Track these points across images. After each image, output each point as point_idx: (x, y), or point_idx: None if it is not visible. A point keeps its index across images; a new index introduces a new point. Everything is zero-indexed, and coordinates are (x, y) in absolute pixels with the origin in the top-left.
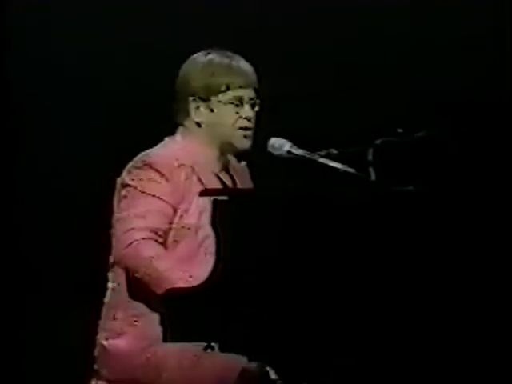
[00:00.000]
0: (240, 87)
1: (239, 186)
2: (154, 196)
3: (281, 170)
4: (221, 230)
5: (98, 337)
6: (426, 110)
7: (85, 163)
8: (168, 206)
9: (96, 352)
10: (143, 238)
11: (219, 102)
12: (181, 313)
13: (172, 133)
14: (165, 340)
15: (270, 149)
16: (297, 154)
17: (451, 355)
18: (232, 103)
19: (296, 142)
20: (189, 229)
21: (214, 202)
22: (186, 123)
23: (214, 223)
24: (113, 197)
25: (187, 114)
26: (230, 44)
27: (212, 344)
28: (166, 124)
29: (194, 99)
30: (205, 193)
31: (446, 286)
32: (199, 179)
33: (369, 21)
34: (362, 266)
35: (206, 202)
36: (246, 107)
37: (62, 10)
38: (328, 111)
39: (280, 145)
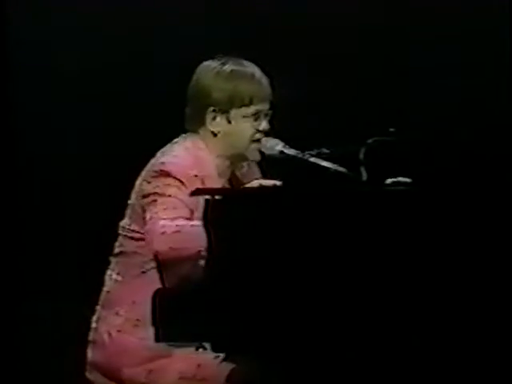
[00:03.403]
0: (260, 101)
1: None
2: (176, 198)
3: (273, 169)
4: (212, 229)
5: (95, 325)
6: (419, 110)
7: (84, 162)
8: (188, 210)
9: (91, 338)
10: (180, 224)
11: (239, 115)
12: (173, 313)
13: (171, 133)
14: (157, 340)
15: (261, 148)
16: (289, 154)
17: (445, 351)
18: (251, 117)
19: (287, 142)
20: None
21: (206, 202)
22: (201, 131)
23: (206, 223)
24: (112, 194)
25: (202, 122)
26: (227, 44)
27: (204, 344)
28: (166, 124)
29: (213, 110)
30: (196, 192)
31: (439, 284)
32: None
33: (364, 19)
34: (354, 266)
35: None
36: (263, 120)
37: (62, 10)
38: (320, 111)
39: (272, 144)
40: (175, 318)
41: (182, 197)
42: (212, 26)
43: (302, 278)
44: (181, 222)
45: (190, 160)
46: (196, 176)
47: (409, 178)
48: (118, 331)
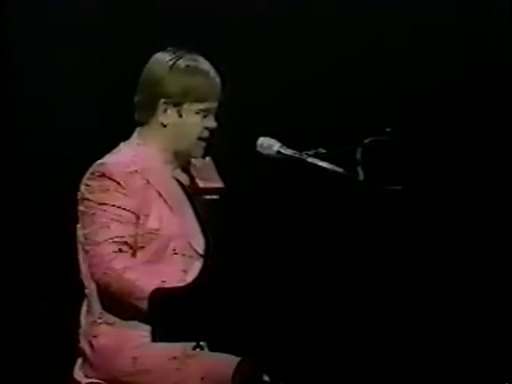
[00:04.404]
0: (213, 99)
1: (200, 184)
2: (113, 206)
3: (269, 169)
4: (208, 229)
5: (81, 344)
6: (415, 110)
7: (84, 162)
8: (129, 214)
9: (80, 360)
10: (114, 252)
11: (191, 110)
12: (169, 313)
13: None
14: (154, 340)
15: (258, 148)
16: (286, 154)
17: (441, 353)
18: (201, 113)
19: (284, 142)
20: (152, 233)
21: (203, 202)
22: (150, 122)
23: (202, 223)
24: None
25: (153, 113)
26: (222, 42)
27: (201, 343)
28: None
29: (165, 101)
30: (195, 192)
31: (434, 284)
32: (151, 183)
33: (361, 19)
34: (350, 266)
35: (164, 204)
36: (211, 119)
37: (62, 10)
38: (317, 111)
39: (269, 144)
40: (172, 317)
41: (120, 201)
42: (212, 25)
43: (300, 277)
44: (116, 261)
45: (128, 156)
46: (136, 171)
47: (406, 177)
48: (94, 336)
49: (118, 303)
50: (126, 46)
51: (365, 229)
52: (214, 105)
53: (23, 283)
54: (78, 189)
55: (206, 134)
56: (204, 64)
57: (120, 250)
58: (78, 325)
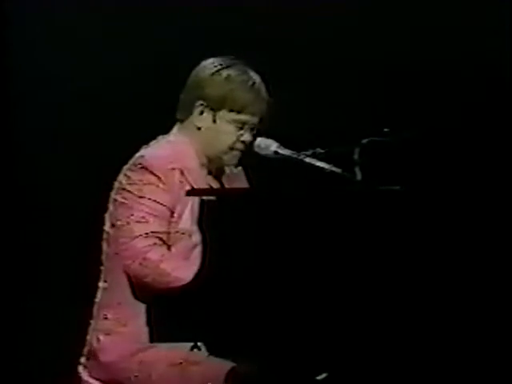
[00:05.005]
0: (251, 113)
1: None
2: (152, 200)
3: (267, 169)
4: (207, 230)
5: (89, 337)
6: (413, 110)
7: (84, 162)
8: (166, 210)
9: (85, 351)
10: (149, 245)
11: (226, 118)
12: (167, 313)
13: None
14: (151, 340)
15: (256, 149)
16: (283, 154)
17: (438, 353)
18: (236, 124)
19: (282, 142)
20: (183, 234)
21: (202, 203)
22: (186, 122)
23: (201, 224)
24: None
25: (190, 113)
26: (221, 42)
27: (198, 344)
28: (169, 124)
29: (201, 104)
30: (192, 192)
31: (432, 284)
32: (190, 183)
33: (361, 19)
34: (348, 266)
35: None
36: (247, 132)
37: (62, 9)
38: (315, 111)
39: (266, 145)
40: (170, 318)
41: (159, 196)
42: (213, 25)
43: (298, 277)
44: (153, 252)
45: (169, 152)
46: (174, 169)
47: (404, 177)
48: (107, 334)
49: (151, 293)
50: (126, 46)
51: (362, 229)
52: (251, 119)
53: (23, 283)
54: (79, 189)
55: (239, 145)
56: (251, 79)
57: (155, 244)
58: (78, 325)
